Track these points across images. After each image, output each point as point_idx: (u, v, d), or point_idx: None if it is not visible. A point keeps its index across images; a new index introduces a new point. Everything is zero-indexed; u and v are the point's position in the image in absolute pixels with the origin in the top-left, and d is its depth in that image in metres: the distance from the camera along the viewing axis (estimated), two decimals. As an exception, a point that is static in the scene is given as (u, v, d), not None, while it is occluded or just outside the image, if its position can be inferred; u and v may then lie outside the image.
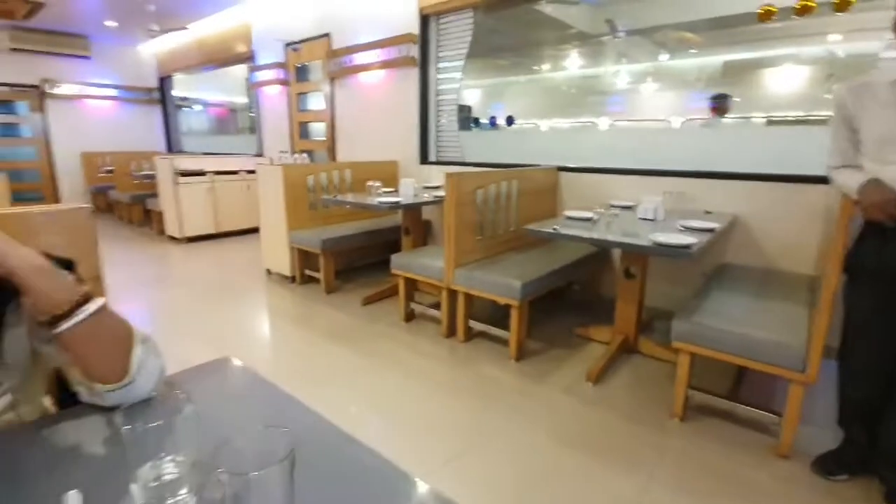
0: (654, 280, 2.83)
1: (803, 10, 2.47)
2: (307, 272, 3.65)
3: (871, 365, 1.48)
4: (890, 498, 1.47)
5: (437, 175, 3.84)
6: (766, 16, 2.60)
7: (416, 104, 4.13)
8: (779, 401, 1.76)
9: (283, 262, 3.67)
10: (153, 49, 7.72)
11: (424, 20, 3.99)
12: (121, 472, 0.49)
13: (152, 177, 5.45)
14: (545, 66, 7.02)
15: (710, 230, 2.11)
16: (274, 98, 5.66)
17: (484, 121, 5.34)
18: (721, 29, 5.03)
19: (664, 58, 6.02)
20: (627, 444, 1.79)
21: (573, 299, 3.29)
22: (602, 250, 3.00)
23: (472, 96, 5.95)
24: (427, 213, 3.83)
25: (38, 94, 7.01)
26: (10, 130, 7.17)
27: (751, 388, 2.09)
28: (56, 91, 7.06)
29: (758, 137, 3.61)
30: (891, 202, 1.30)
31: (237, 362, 0.83)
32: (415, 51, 4.03)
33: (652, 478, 1.61)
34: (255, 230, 4.41)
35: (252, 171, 4.81)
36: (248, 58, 5.88)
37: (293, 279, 3.66)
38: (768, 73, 5.72)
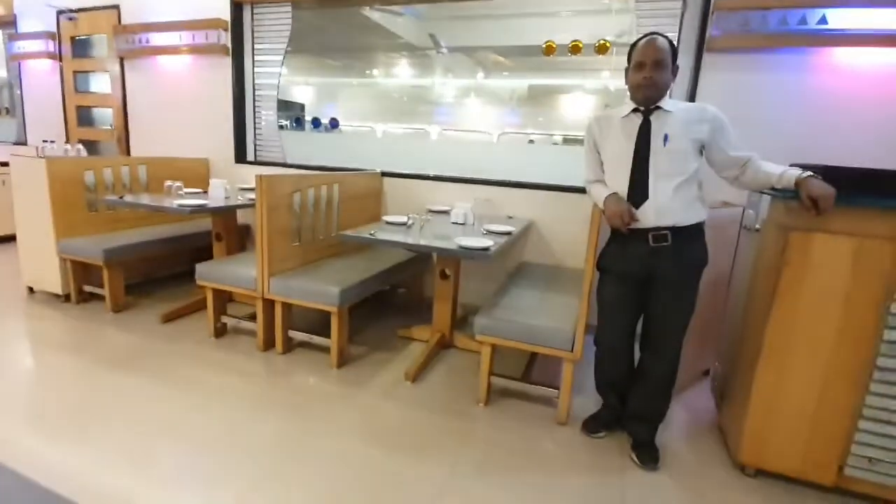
0: (468, 279, 3.08)
1: (574, 50, 2.97)
2: (87, 288, 3.02)
3: (617, 343, 1.84)
4: (634, 447, 1.84)
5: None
6: (549, 50, 3.04)
7: (229, 97, 3.77)
8: (559, 377, 2.06)
9: (51, 278, 2.97)
10: None
11: (237, 7, 3.67)
12: None
13: None
14: (377, 72, 7.12)
15: (508, 233, 2.38)
16: (42, 75, 4.58)
17: (307, 120, 5.15)
18: (525, 56, 5.74)
19: (482, 76, 6.62)
20: (437, 436, 1.89)
21: (398, 302, 3.38)
22: (423, 253, 3.14)
23: (304, 94, 5.70)
24: (246, 217, 3.51)
25: None
26: None
27: (540, 370, 2.43)
28: None
29: (555, 153, 4.22)
30: (624, 213, 1.62)
31: None
32: (227, 38, 3.67)
33: (458, 464, 1.73)
34: (11, 238, 3.49)
35: (6, 164, 3.79)
36: (7, 22, 4.64)
37: (67, 298, 3.00)
38: (564, 99, 6.76)
